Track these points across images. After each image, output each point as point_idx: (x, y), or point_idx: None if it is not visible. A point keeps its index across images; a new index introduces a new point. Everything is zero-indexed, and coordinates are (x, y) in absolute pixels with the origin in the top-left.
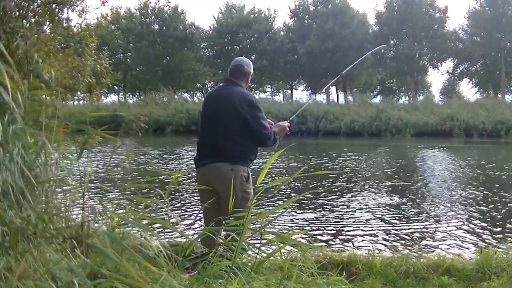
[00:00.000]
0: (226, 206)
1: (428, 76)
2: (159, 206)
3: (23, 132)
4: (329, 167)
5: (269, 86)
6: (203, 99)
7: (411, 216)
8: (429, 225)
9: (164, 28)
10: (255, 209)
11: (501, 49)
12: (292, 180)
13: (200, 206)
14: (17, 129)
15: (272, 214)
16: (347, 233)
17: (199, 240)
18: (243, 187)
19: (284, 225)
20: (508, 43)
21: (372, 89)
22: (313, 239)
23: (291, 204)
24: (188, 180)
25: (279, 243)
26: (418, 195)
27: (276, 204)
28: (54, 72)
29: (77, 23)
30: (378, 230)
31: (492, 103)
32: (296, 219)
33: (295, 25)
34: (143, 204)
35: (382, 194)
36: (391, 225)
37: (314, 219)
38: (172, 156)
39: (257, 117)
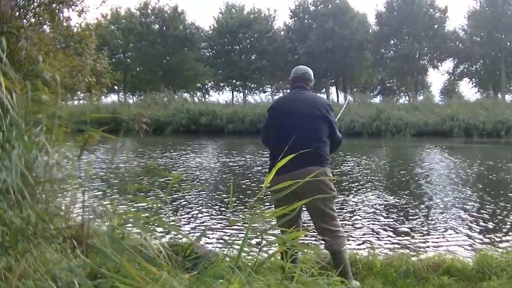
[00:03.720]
0: (316, 209)
1: (428, 76)
2: (159, 207)
3: (25, 133)
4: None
5: (269, 86)
6: (269, 106)
7: (412, 216)
8: (429, 225)
9: (164, 28)
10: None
11: (501, 49)
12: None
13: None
14: (17, 129)
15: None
16: (347, 233)
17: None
18: (331, 188)
19: None
20: (508, 43)
21: (372, 89)
22: (313, 239)
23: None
24: (187, 181)
25: (280, 245)
26: (418, 195)
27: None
28: (54, 72)
29: (77, 23)
30: (378, 230)
31: (492, 103)
32: None
33: (295, 25)
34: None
35: (382, 194)
36: (391, 225)
37: None
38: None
39: (335, 122)
